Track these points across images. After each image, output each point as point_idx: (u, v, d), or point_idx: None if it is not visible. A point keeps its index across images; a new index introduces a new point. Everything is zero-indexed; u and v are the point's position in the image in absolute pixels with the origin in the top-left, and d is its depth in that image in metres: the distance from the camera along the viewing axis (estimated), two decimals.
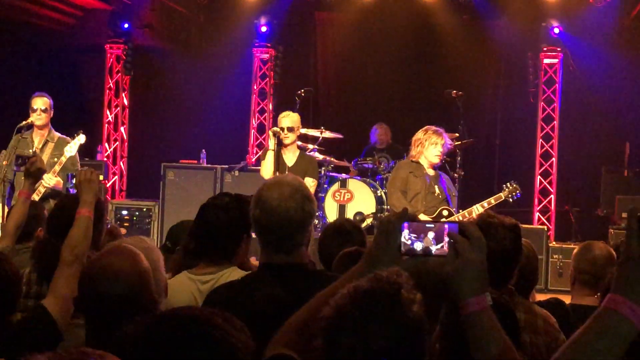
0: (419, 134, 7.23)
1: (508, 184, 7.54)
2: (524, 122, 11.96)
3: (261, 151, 7.83)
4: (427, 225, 1.99)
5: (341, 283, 2.01)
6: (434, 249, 1.97)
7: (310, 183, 7.67)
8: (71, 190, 6.75)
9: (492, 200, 7.30)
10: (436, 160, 7.18)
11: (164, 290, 2.78)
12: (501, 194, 7.44)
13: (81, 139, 7.06)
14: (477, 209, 7.08)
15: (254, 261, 4.13)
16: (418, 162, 7.20)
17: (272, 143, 7.42)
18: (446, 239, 1.96)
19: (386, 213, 9.73)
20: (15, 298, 2.92)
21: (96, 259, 2.62)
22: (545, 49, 11.49)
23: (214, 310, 1.71)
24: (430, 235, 1.98)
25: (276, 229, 2.70)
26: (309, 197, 2.79)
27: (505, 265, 3.14)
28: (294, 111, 7.92)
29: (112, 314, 2.45)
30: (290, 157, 7.62)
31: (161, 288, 2.73)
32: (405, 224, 1.99)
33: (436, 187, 7.12)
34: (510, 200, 7.48)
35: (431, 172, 7.20)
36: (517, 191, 7.47)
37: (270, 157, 7.42)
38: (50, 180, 6.77)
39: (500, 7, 11.40)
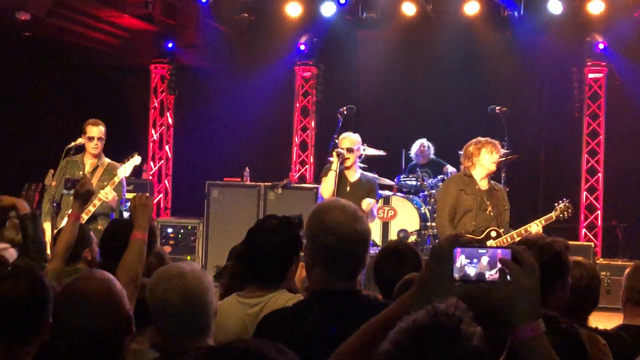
0: (471, 146, 6.86)
1: (561, 203, 7.07)
2: (569, 138, 11.85)
3: (323, 169, 7.91)
4: (480, 250, 1.99)
5: (393, 311, 2.02)
6: (487, 274, 1.97)
7: (371, 202, 7.72)
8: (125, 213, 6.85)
9: (543, 220, 6.87)
10: (493, 167, 6.82)
11: (214, 314, 2.81)
12: (552, 213, 7.01)
13: (136, 160, 7.19)
14: (525, 230, 6.74)
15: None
16: (471, 176, 6.83)
17: (335, 164, 7.52)
18: (499, 264, 1.96)
19: (430, 231, 9.70)
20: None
21: (68, 286, 2.64)
22: (589, 63, 11.40)
23: (267, 341, 1.72)
24: (485, 260, 1.97)
25: (349, 254, 2.64)
26: (363, 217, 2.79)
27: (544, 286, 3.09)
28: (344, 130, 8.05)
29: (88, 338, 2.49)
30: (352, 175, 7.79)
31: (212, 311, 2.76)
32: (458, 250, 1.98)
33: (488, 203, 6.77)
34: (562, 219, 7.04)
35: (484, 184, 6.81)
36: (570, 210, 7.01)
37: (332, 177, 7.53)
38: (109, 194, 6.89)
39: (543, 23, 11.32)
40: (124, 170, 7.11)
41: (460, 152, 9.88)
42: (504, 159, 8.49)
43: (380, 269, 4.06)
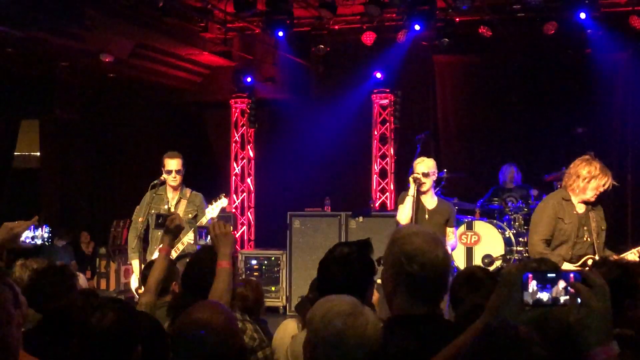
0: (585, 169, 6.18)
1: None
2: None
3: (399, 196, 7.81)
4: (550, 274, 1.98)
5: (465, 337, 2.02)
6: (562, 298, 1.96)
7: (452, 231, 7.62)
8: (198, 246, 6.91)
9: None
10: (593, 199, 6.22)
11: None
12: None
13: (224, 202, 7.16)
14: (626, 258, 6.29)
15: None
16: (569, 200, 6.26)
17: (412, 189, 7.41)
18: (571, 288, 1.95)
19: (515, 255, 9.53)
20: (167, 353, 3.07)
21: (186, 316, 2.72)
22: None
23: None
24: (561, 284, 1.97)
25: (432, 281, 2.68)
26: (443, 241, 2.81)
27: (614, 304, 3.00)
28: (423, 156, 7.93)
29: None
30: (429, 201, 7.59)
31: None
32: (529, 274, 1.98)
33: (585, 228, 6.25)
34: None
35: (581, 208, 6.27)
36: None
37: (409, 202, 7.40)
38: (191, 238, 6.93)
39: (624, 39, 11.08)
40: (212, 211, 7.09)
41: (546, 176, 9.73)
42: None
43: (456, 293, 4.03)
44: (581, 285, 1.92)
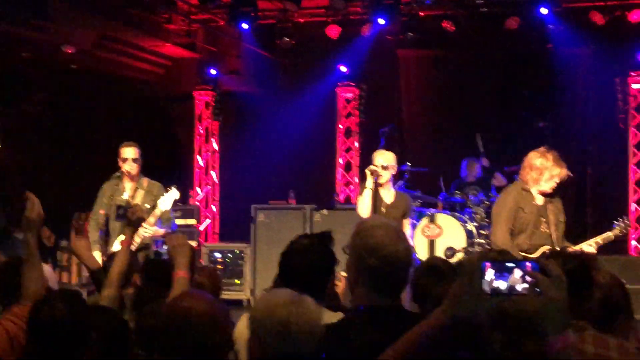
0: (538, 160, 6.24)
1: (620, 221, 6.53)
2: (616, 149, 11.69)
3: (359, 189, 7.75)
4: (509, 264, 2.01)
5: (425, 325, 2.05)
6: (519, 287, 1.99)
7: (408, 222, 7.61)
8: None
9: (600, 240, 6.43)
10: (550, 191, 6.30)
11: None
12: (610, 233, 6.50)
13: (174, 194, 6.97)
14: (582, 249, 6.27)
15: None
16: (529, 191, 6.32)
17: (370, 182, 7.31)
18: (528, 277, 1.98)
19: (477, 247, 9.63)
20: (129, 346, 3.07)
21: (171, 304, 2.73)
22: (633, 74, 11.26)
23: None
24: (517, 274, 2.00)
25: (394, 274, 2.71)
26: (405, 235, 2.86)
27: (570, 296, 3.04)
28: (387, 149, 7.88)
29: (196, 354, 2.57)
30: (387, 195, 7.51)
31: None
32: (488, 264, 2.01)
33: (544, 219, 6.30)
34: (620, 238, 6.58)
35: (540, 200, 6.34)
36: (628, 228, 6.57)
37: (367, 195, 7.30)
38: (147, 231, 6.76)
39: (584, 34, 11.23)
40: (164, 203, 6.90)
41: (506, 168, 9.82)
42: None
43: (417, 285, 4.06)
44: (539, 274, 1.95)
